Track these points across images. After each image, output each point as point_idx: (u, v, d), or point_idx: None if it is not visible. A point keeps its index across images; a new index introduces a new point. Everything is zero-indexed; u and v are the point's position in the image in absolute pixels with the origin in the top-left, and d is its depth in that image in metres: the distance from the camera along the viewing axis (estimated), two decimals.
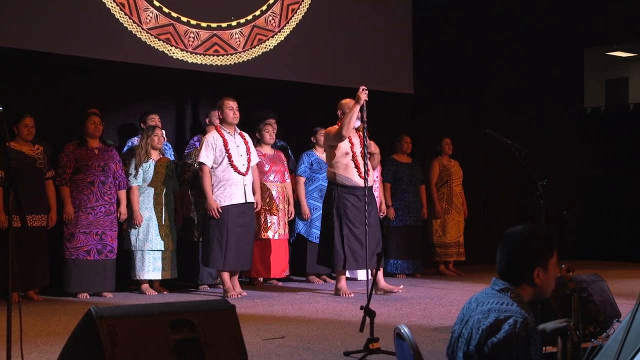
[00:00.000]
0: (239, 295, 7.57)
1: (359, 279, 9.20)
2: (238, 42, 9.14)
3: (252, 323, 5.93)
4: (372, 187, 7.74)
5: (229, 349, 2.90)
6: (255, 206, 7.87)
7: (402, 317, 6.39)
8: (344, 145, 7.58)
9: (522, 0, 12.21)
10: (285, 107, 9.97)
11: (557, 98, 12.74)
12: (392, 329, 2.87)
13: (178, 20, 8.73)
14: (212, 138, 7.63)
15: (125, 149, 8.32)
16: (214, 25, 8.99)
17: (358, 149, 7.58)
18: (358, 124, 7.42)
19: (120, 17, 8.34)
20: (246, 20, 9.24)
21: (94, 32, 8.24)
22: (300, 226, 9.03)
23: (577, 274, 4.54)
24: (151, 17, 8.54)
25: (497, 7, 11.97)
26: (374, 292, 6.30)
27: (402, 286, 7.68)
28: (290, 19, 9.58)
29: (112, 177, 7.62)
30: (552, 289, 2.81)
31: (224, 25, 9.07)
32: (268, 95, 9.78)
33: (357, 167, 7.53)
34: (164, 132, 8.11)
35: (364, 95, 7.25)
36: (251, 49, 9.23)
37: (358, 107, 7.30)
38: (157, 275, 7.84)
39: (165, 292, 7.85)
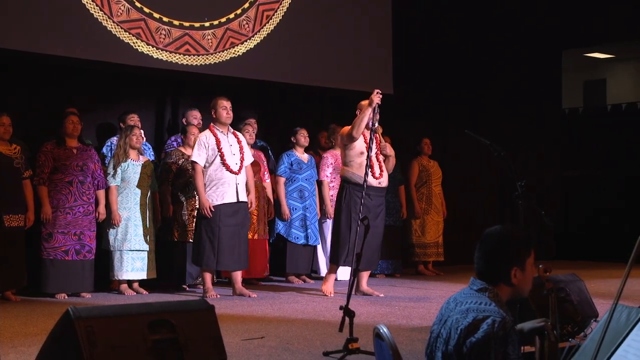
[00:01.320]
0: (218, 296, 7.55)
1: (338, 279, 9.21)
2: (210, 44, 9.09)
3: (232, 323, 5.92)
4: (385, 188, 7.79)
5: (208, 349, 2.90)
6: (249, 205, 7.85)
7: (382, 317, 6.40)
8: (359, 145, 7.62)
9: (501, 2, 12.27)
10: (265, 107, 9.96)
11: (536, 99, 12.81)
12: (371, 329, 2.87)
13: (150, 16, 8.68)
14: (205, 137, 7.61)
15: (104, 148, 8.28)
16: (186, 24, 8.94)
17: (374, 149, 7.61)
18: (372, 124, 7.45)
19: (91, 8, 8.28)
20: (219, 22, 9.20)
21: (71, 30, 8.19)
22: (280, 226, 9.03)
23: (555, 274, 4.57)
24: (122, 11, 8.48)
25: (476, 8, 12.03)
26: (353, 292, 6.32)
27: (382, 295, 7.66)
28: (265, 24, 9.54)
29: (90, 177, 7.57)
30: (529, 289, 2.82)
31: (196, 25, 9.02)
32: (248, 95, 9.76)
33: (371, 167, 7.54)
34: (142, 131, 8.08)
35: (377, 98, 7.34)
36: (223, 51, 9.18)
37: (370, 110, 7.37)
38: (135, 275, 7.81)
39: (145, 293, 7.82)
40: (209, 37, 9.08)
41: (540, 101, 12.94)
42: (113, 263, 7.75)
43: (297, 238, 8.98)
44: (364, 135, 7.59)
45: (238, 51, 9.30)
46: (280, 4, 9.71)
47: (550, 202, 12.69)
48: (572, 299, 4.89)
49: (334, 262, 7.79)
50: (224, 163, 7.56)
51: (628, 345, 2.59)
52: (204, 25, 9.08)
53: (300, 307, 6.98)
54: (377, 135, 7.62)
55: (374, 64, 10.58)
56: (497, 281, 2.75)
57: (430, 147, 10.30)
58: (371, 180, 7.49)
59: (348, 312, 4.84)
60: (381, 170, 7.70)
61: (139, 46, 8.57)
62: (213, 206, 7.49)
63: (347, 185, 7.65)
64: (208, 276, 7.66)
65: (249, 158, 7.89)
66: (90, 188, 7.58)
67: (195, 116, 8.68)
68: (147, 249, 7.85)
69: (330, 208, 9.10)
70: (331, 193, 9.16)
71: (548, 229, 12.00)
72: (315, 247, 9.24)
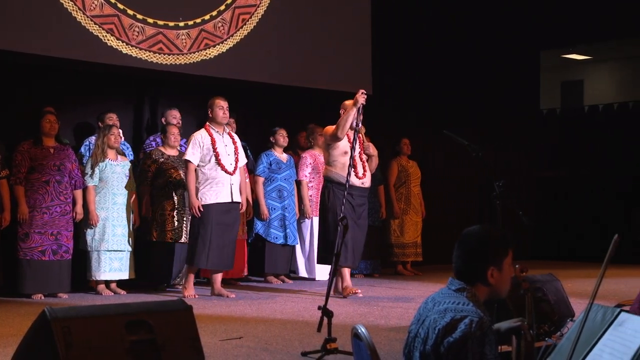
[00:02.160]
0: (196, 296, 7.54)
1: (317, 279, 9.22)
2: (184, 43, 9.03)
3: (210, 323, 5.91)
4: (368, 188, 7.79)
5: (185, 349, 2.89)
6: (241, 207, 7.82)
7: (360, 317, 6.41)
8: (342, 145, 7.60)
9: (479, 2, 12.32)
10: (244, 107, 9.94)
11: (514, 99, 12.88)
12: (349, 329, 2.88)
13: (124, 12, 8.63)
14: (200, 136, 7.60)
15: (82, 148, 8.23)
16: (160, 22, 8.89)
17: (357, 149, 7.60)
18: (356, 124, 7.43)
19: (65, 2, 8.21)
20: (194, 22, 9.14)
21: (46, 28, 8.13)
22: (259, 226, 9.01)
23: (532, 274, 4.59)
24: (95, 5, 8.42)
25: (455, 9, 12.07)
26: (331, 292, 6.33)
27: (360, 292, 7.66)
28: (240, 27, 9.50)
29: (68, 177, 7.53)
30: (507, 289, 2.83)
31: (170, 24, 8.96)
32: (227, 95, 9.72)
33: (354, 167, 7.53)
34: (121, 131, 8.04)
35: (361, 99, 7.32)
36: (196, 52, 9.12)
37: (355, 110, 7.34)
38: (113, 275, 7.78)
39: (122, 293, 7.79)
40: (183, 37, 9.03)
41: (519, 102, 13.01)
42: (90, 263, 7.71)
43: (276, 238, 8.97)
44: (347, 135, 7.59)
45: (210, 53, 9.21)
46: (257, 8, 9.66)
47: (527, 202, 12.76)
48: (549, 299, 4.92)
49: (326, 262, 7.67)
50: (219, 163, 7.55)
51: (603, 344, 2.61)
52: (178, 24, 9.03)
53: (279, 307, 6.97)
54: (360, 135, 7.62)
55: (353, 64, 10.58)
56: (475, 281, 2.77)
57: (410, 147, 10.32)
58: (354, 180, 7.48)
59: (326, 313, 4.85)
60: (364, 170, 7.70)
61: (109, 41, 8.43)
62: (206, 205, 7.48)
63: (330, 185, 7.63)
64: (192, 276, 7.65)
65: (243, 159, 7.88)
66: (68, 188, 7.53)
67: (174, 116, 8.65)
68: (125, 249, 7.81)
69: (309, 208, 9.10)
70: (310, 193, 9.17)
71: (525, 228, 12.07)
72: (294, 247, 9.24)
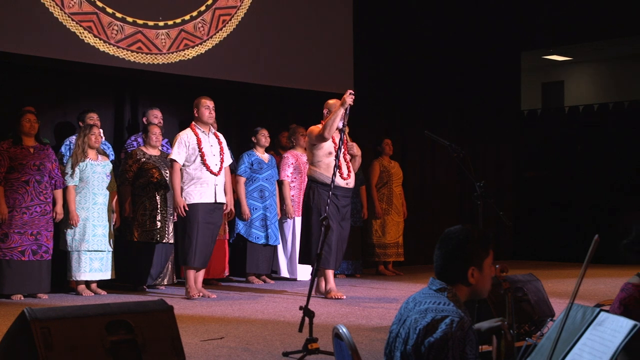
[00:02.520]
0: (199, 295, 7.52)
1: (298, 279, 9.22)
2: (163, 43, 8.98)
3: (191, 324, 5.90)
4: (352, 188, 7.75)
5: (166, 350, 2.88)
6: (225, 207, 7.80)
7: (341, 317, 6.41)
8: (327, 145, 7.57)
9: (461, 4, 12.36)
10: (226, 107, 9.93)
11: (495, 100, 12.93)
12: (331, 329, 2.88)
13: (103, 10, 8.57)
14: (186, 136, 7.57)
15: (62, 148, 8.19)
16: (140, 22, 8.85)
17: (341, 149, 7.57)
18: (341, 125, 7.41)
19: (45, 2, 8.17)
20: (174, 22, 9.10)
21: (27, 27, 8.08)
22: (240, 226, 9.00)
23: (512, 274, 4.62)
24: (74, 3, 8.35)
25: (437, 10, 12.11)
26: (313, 292, 6.32)
27: (345, 297, 7.61)
28: (220, 28, 9.47)
29: (47, 177, 7.49)
30: (488, 289, 2.84)
31: (150, 23, 8.92)
32: (208, 95, 9.70)
33: (339, 167, 7.49)
34: (101, 131, 8.01)
35: (349, 99, 7.24)
36: (176, 52, 9.08)
37: (342, 110, 7.28)
38: (94, 276, 7.74)
39: (103, 293, 7.76)
40: (163, 37, 8.99)
41: (500, 102, 13.06)
42: (71, 264, 7.67)
43: (258, 238, 8.96)
44: (332, 135, 7.57)
45: (188, 54, 9.18)
46: (237, 10, 9.64)
47: (508, 203, 12.82)
48: (530, 299, 4.94)
49: (308, 263, 7.67)
50: (205, 163, 7.54)
51: (583, 344, 2.62)
52: (158, 24, 8.99)
53: (260, 308, 6.97)
54: (345, 135, 7.58)
55: (335, 65, 10.60)
56: (456, 281, 2.77)
57: (392, 147, 10.33)
58: (339, 181, 7.45)
59: (308, 313, 4.84)
60: (349, 171, 7.66)
61: (86, 38, 8.34)
62: (191, 204, 7.47)
63: (314, 185, 7.58)
64: (191, 275, 7.59)
65: (228, 159, 7.87)
66: (48, 187, 7.49)
67: (155, 115, 8.63)
68: (106, 250, 7.78)
69: (291, 208, 9.10)
70: (292, 193, 9.17)
71: (506, 229, 12.13)
72: (275, 247, 9.23)
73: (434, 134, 6.24)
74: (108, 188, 7.86)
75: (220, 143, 7.76)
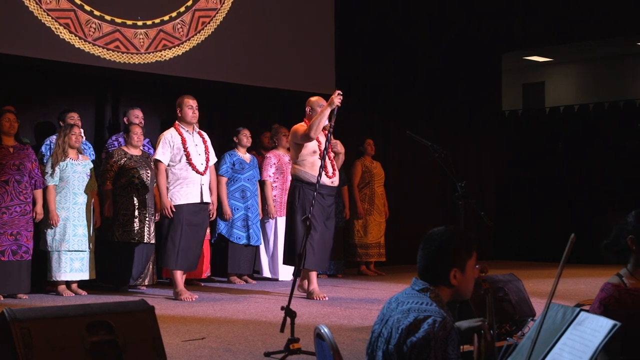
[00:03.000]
0: (193, 299, 7.43)
1: (280, 279, 9.21)
2: (141, 43, 8.93)
3: (172, 324, 5.88)
4: (337, 187, 7.71)
5: (147, 350, 2.87)
6: (211, 206, 7.75)
7: (323, 317, 6.41)
8: (311, 144, 7.49)
9: (442, 4, 12.40)
10: (207, 107, 9.90)
11: (476, 101, 12.97)
12: (312, 329, 2.88)
13: (81, 7, 8.50)
14: (170, 135, 7.51)
15: (43, 147, 8.14)
16: (118, 20, 8.79)
17: (327, 150, 7.50)
18: (326, 122, 7.38)
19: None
20: (153, 22, 9.04)
21: (6, 25, 8.01)
22: (222, 227, 8.99)
23: (493, 274, 4.63)
24: None
25: (419, 10, 12.14)
26: (295, 289, 6.31)
27: (327, 298, 7.56)
28: (200, 30, 9.42)
29: (27, 176, 7.44)
30: (471, 291, 2.85)
31: (128, 22, 8.86)
32: (189, 95, 9.68)
33: (324, 166, 7.46)
34: (82, 130, 7.96)
35: (337, 100, 7.11)
36: (154, 52, 9.01)
37: (329, 110, 7.19)
38: (74, 276, 7.70)
39: (83, 294, 7.72)
40: (141, 36, 8.93)
41: (481, 103, 13.10)
42: (51, 264, 7.63)
43: (239, 238, 8.95)
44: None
45: (165, 55, 9.12)
46: (217, 12, 9.60)
47: (489, 203, 12.86)
48: (511, 299, 4.96)
49: (292, 264, 7.54)
50: (190, 163, 7.48)
51: (563, 343, 2.64)
52: (136, 24, 8.93)
53: (242, 308, 6.96)
54: (327, 132, 7.54)
55: (316, 64, 10.60)
56: (438, 282, 2.78)
57: (373, 147, 10.34)
58: (324, 180, 7.38)
59: (289, 313, 4.84)
60: (334, 169, 7.59)
61: (62, 34, 8.25)
62: (176, 205, 7.41)
63: (300, 184, 7.48)
64: (178, 276, 7.52)
65: (213, 158, 7.82)
66: (28, 187, 7.44)
67: (137, 115, 8.59)
68: (87, 250, 7.74)
69: (273, 208, 9.09)
70: (274, 193, 9.17)
71: (487, 229, 12.17)
72: (257, 248, 9.22)
73: (416, 135, 6.26)
74: (88, 188, 7.82)
75: (205, 142, 7.71)
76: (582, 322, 2.65)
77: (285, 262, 7.77)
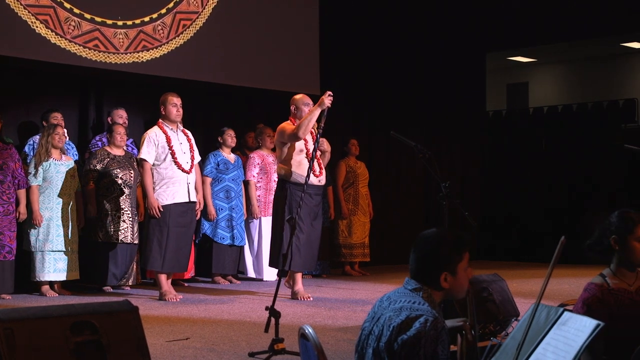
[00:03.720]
0: (178, 299, 7.39)
1: (265, 279, 9.21)
2: (121, 43, 8.86)
3: (157, 324, 5.87)
4: (323, 186, 7.65)
5: (131, 351, 2.86)
6: (198, 205, 7.70)
7: (307, 317, 6.42)
8: (298, 143, 7.42)
9: (426, 4, 12.43)
10: (191, 107, 9.89)
11: (461, 101, 13.00)
12: (297, 329, 2.88)
13: (60, 5, 8.43)
14: (154, 134, 7.40)
15: (26, 147, 8.11)
16: (98, 19, 8.71)
17: (312, 147, 7.44)
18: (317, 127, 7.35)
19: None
20: (133, 23, 8.98)
21: None
22: (206, 227, 8.97)
23: (477, 274, 4.65)
24: None
25: (403, 11, 12.16)
26: (282, 285, 6.30)
27: (312, 298, 7.54)
28: (181, 33, 9.37)
29: (11, 176, 7.40)
30: (464, 291, 2.85)
31: (108, 22, 8.80)
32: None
33: (311, 165, 7.44)
34: (65, 130, 7.93)
35: (327, 101, 7.08)
36: (134, 52, 8.94)
37: (319, 111, 7.13)
38: (58, 276, 7.67)
39: (67, 294, 7.69)
40: (121, 36, 8.88)
41: (465, 103, 13.13)
42: (34, 264, 7.60)
43: (223, 238, 8.93)
44: None
45: (143, 56, 9.05)
46: (198, 16, 9.55)
47: (473, 203, 12.89)
48: (495, 299, 4.97)
49: (275, 266, 7.50)
50: (175, 161, 7.39)
51: (547, 343, 2.65)
52: (116, 23, 8.86)
53: (226, 308, 6.95)
54: (313, 131, 7.52)
55: (301, 64, 10.60)
56: (429, 284, 2.79)
57: (358, 147, 10.35)
58: (312, 179, 7.32)
59: (274, 313, 4.84)
60: (320, 169, 7.53)
61: (37, 28, 8.15)
62: (162, 205, 7.32)
63: (287, 185, 7.41)
64: (163, 277, 7.46)
65: (198, 157, 7.75)
66: (11, 187, 7.40)
67: (120, 115, 8.56)
68: (70, 250, 7.71)
69: (257, 208, 9.08)
70: (258, 193, 9.16)
71: (471, 229, 12.20)
72: (241, 248, 9.21)
73: (400, 135, 6.27)
74: (72, 188, 7.79)
75: (189, 140, 7.63)
76: (566, 322, 2.66)
77: (270, 264, 7.66)
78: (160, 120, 7.57)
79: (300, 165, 7.40)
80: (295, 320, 6.10)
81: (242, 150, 9.59)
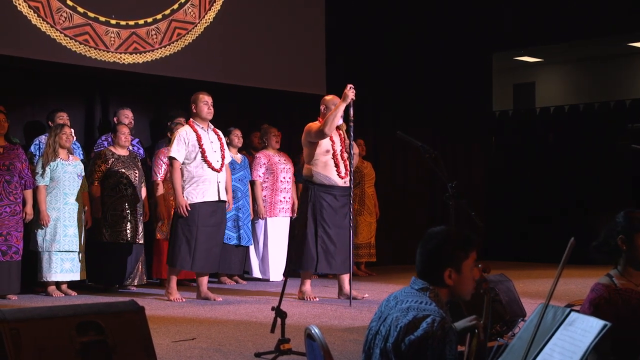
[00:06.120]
0: (183, 300, 7.35)
1: (271, 279, 9.21)
2: (112, 42, 8.79)
3: (163, 325, 5.87)
4: (351, 187, 7.61)
5: (137, 351, 2.86)
6: (228, 205, 7.66)
7: (314, 317, 6.41)
8: (325, 143, 7.39)
9: (432, 4, 12.41)
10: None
11: (467, 101, 12.97)
12: (303, 329, 2.88)
13: None
14: (185, 132, 7.37)
15: (32, 147, 8.12)
16: (90, 14, 8.64)
17: (339, 147, 7.43)
18: (341, 122, 7.33)
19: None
20: (127, 24, 8.92)
21: None
22: None
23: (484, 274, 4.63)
24: None
25: (409, 10, 12.14)
26: (337, 296, 6.23)
27: (318, 299, 7.54)
28: (174, 41, 9.30)
29: (17, 177, 7.41)
30: (470, 291, 2.85)
31: (101, 18, 8.74)
32: (178, 95, 9.66)
33: (337, 166, 7.37)
34: (72, 130, 7.94)
35: (351, 94, 7.11)
36: (124, 53, 8.89)
37: (344, 106, 7.16)
38: (64, 276, 7.68)
39: (73, 294, 7.70)
40: (112, 35, 8.82)
41: (471, 103, 13.10)
42: (41, 264, 7.61)
43: (230, 239, 8.93)
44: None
45: (136, 59, 8.96)
46: (195, 26, 9.47)
47: (480, 203, 12.87)
48: (502, 299, 4.97)
49: (302, 268, 7.49)
50: (206, 160, 7.35)
51: (554, 344, 2.64)
52: (109, 21, 8.80)
53: (232, 309, 6.95)
54: (341, 132, 7.50)
55: (307, 65, 10.59)
56: (435, 282, 2.78)
57: (364, 148, 10.33)
58: (337, 180, 7.33)
59: (280, 313, 4.84)
60: (346, 170, 7.47)
61: (27, 14, 8.07)
62: (191, 204, 7.27)
63: (311, 185, 7.39)
64: (174, 279, 7.44)
65: (229, 155, 7.73)
66: (18, 187, 7.42)
67: (126, 115, 8.58)
68: (77, 250, 7.73)
69: (263, 208, 9.08)
70: (264, 193, 9.16)
71: (478, 229, 12.18)
72: (247, 248, 9.21)
73: (406, 135, 6.26)
74: (79, 188, 7.80)
75: (220, 139, 7.57)
76: (573, 323, 2.65)
77: (293, 267, 7.62)
78: (191, 118, 7.53)
79: (326, 166, 7.37)
80: (301, 321, 6.10)
81: (248, 150, 9.59)
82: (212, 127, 7.60)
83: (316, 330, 2.68)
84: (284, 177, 9.24)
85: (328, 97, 7.53)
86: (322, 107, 7.52)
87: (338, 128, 7.36)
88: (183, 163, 7.36)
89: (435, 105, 12.46)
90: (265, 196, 9.17)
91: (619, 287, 3.37)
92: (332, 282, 9.28)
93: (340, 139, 7.45)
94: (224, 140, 7.67)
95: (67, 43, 8.49)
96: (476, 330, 2.82)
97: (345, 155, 7.51)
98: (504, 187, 13.35)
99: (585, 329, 2.57)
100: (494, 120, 14.03)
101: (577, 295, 6.66)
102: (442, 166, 5.85)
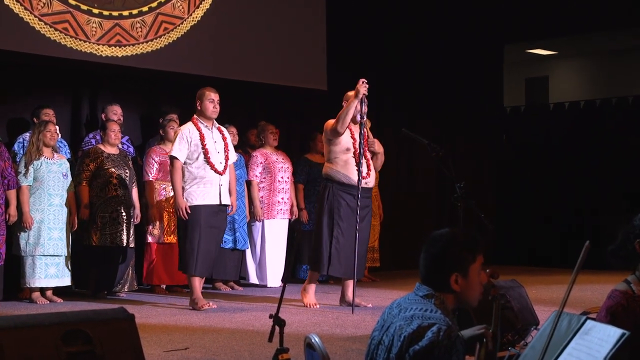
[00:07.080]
0: (209, 306, 7.32)
1: (268, 285, 9.21)
2: (93, 32, 8.72)
3: (154, 333, 5.87)
4: (372, 188, 7.61)
5: None
6: (229, 209, 7.67)
7: (314, 326, 6.41)
8: (345, 141, 7.41)
9: None
10: (190, 103, 9.87)
11: (477, 96, 12.96)
12: (303, 338, 2.88)
13: None
14: (188, 131, 7.36)
15: (15, 145, 8.11)
16: (72, 2, 8.56)
17: (360, 146, 7.39)
18: (359, 118, 7.31)
19: None
20: (110, 14, 8.86)
21: None
22: None
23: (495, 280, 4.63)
24: None
25: (416, 2, 12.13)
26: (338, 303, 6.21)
27: (318, 306, 7.56)
28: (160, 35, 9.25)
29: (0, 176, 7.41)
30: (477, 297, 2.84)
31: (83, 7, 8.66)
32: (171, 90, 9.67)
33: (358, 165, 7.34)
34: (57, 127, 7.93)
35: (363, 89, 7.14)
36: (105, 45, 8.81)
37: (357, 102, 7.19)
38: (49, 282, 7.68)
39: (59, 301, 7.70)
40: (94, 25, 8.75)
41: (481, 99, 13.10)
42: (24, 269, 7.61)
43: (225, 242, 8.92)
44: (350, 130, 7.43)
45: (117, 52, 8.92)
46: (183, 21, 9.42)
47: (490, 205, 12.87)
48: (513, 306, 4.96)
49: (315, 269, 7.52)
50: (208, 161, 7.36)
51: (569, 354, 2.64)
52: (91, 10, 8.73)
53: (228, 316, 6.95)
54: (365, 129, 7.52)
55: (307, 60, 10.59)
56: (441, 288, 2.78)
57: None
58: (357, 180, 7.30)
59: (278, 321, 4.83)
60: (368, 169, 7.47)
61: (18, 10, 8.10)
62: (193, 206, 7.27)
63: (330, 184, 7.41)
64: (196, 282, 7.38)
65: (233, 156, 7.71)
66: (0, 188, 7.41)
67: (115, 111, 8.58)
68: (62, 254, 7.72)
69: (260, 210, 9.08)
70: (261, 194, 9.16)
71: (488, 232, 12.17)
72: (244, 252, 9.21)
73: (412, 132, 6.26)
74: (65, 188, 7.79)
75: (224, 139, 7.57)
76: (589, 332, 2.65)
77: (312, 269, 7.65)
78: (195, 116, 7.52)
79: (346, 165, 7.39)
80: (301, 329, 6.10)
81: (244, 148, 9.58)
82: (217, 125, 7.59)
83: (316, 339, 2.68)
84: (282, 177, 9.24)
85: (351, 93, 7.49)
86: (344, 104, 7.50)
87: (363, 125, 7.35)
88: (184, 163, 7.36)
89: (442, 101, 12.46)
90: (262, 197, 9.17)
91: (637, 294, 3.36)
92: (332, 288, 9.28)
93: (365, 137, 7.42)
94: (229, 139, 7.67)
95: (45, 31, 8.41)
96: (485, 340, 2.82)
97: (369, 154, 7.53)
98: (515, 187, 13.34)
99: (602, 338, 2.57)
100: (505, 117, 14.02)
101: (593, 303, 6.66)
102: (450, 165, 5.85)
